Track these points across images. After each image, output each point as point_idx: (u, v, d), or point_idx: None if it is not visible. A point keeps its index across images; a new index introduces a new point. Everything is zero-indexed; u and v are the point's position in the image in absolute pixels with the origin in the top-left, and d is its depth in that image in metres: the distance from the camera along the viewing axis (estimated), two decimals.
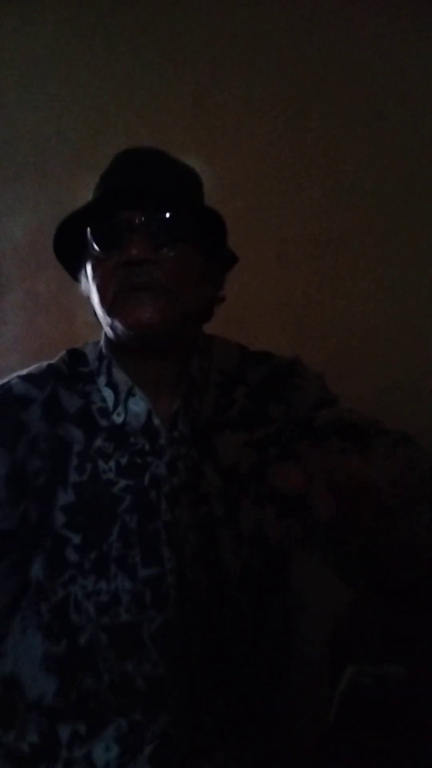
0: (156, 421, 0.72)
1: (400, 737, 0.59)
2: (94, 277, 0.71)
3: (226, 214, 0.99)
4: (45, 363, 0.78)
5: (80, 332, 1.31)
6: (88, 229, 0.70)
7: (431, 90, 1.09)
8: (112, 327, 0.71)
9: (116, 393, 0.73)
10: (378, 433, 0.69)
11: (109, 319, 0.70)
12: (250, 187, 1.19)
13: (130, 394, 0.73)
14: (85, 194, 1.32)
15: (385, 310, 1.10)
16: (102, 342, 0.77)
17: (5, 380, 0.75)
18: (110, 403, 0.73)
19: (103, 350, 0.76)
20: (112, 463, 0.70)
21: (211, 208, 0.69)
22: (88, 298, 0.76)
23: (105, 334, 0.76)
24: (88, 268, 0.72)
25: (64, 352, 0.80)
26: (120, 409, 0.73)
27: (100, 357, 0.76)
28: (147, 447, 0.71)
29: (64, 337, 1.32)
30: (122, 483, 0.70)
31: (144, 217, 0.67)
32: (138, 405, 0.72)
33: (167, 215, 0.68)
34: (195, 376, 0.75)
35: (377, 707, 0.60)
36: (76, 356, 0.78)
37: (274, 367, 0.78)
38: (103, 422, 0.73)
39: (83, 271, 0.74)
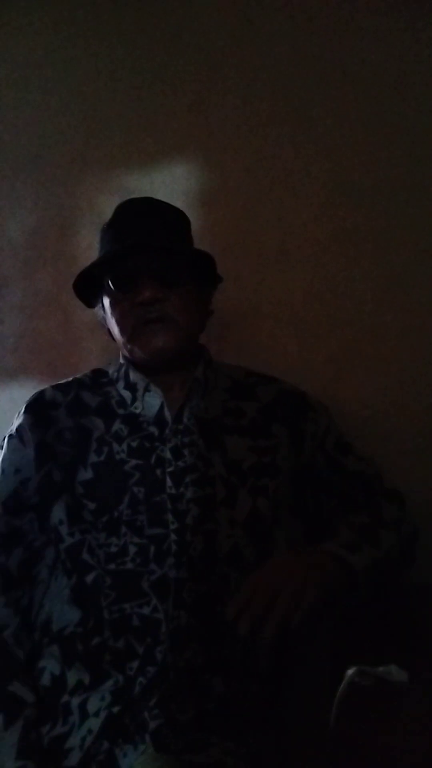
0: (167, 412, 0.88)
1: (400, 739, 0.59)
2: (113, 312, 0.89)
3: (225, 214, 1.00)
4: (72, 377, 0.96)
5: (78, 331, 1.31)
6: (107, 275, 0.88)
7: (431, 89, 1.09)
8: (130, 351, 0.89)
9: (133, 392, 0.90)
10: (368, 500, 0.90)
11: (129, 346, 0.89)
12: (249, 187, 1.19)
13: (147, 389, 0.89)
14: (83, 194, 1.32)
15: (385, 310, 1.09)
16: (120, 359, 0.95)
17: (39, 390, 0.94)
18: (128, 400, 0.90)
19: (121, 361, 0.94)
20: (124, 446, 0.86)
21: (204, 251, 0.88)
22: (102, 320, 0.95)
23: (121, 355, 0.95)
24: (106, 303, 0.90)
25: (89, 371, 0.98)
26: (138, 403, 0.89)
27: (119, 368, 0.94)
28: (156, 434, 0.86)
29: (62, 337, 1.32)
30: (133, 462, 0.85)
31: (153, 264, 0.85)
32: (153, 398, 0.89)
33: (172, 262, 0.86)
34: (199, 379, 0.91)
35: (377, 709, 0.60)
36: (98, 372, 0.97)
37: (283, 392, 0.95)
38: (121, 411, 0.89)
39: (100, 303, 0.93)
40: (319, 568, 0.73)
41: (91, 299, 0.94)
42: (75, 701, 0.75)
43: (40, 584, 0.84)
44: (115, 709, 0.73)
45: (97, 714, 0.73)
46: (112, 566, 0.79)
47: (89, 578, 0.80)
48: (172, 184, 1.23)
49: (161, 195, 1.23)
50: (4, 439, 0.90)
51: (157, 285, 0.85)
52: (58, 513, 0.83)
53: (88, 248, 1.30)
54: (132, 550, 0.79)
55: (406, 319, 1.08)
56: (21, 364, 1.35)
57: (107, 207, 1.30)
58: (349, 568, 0.74)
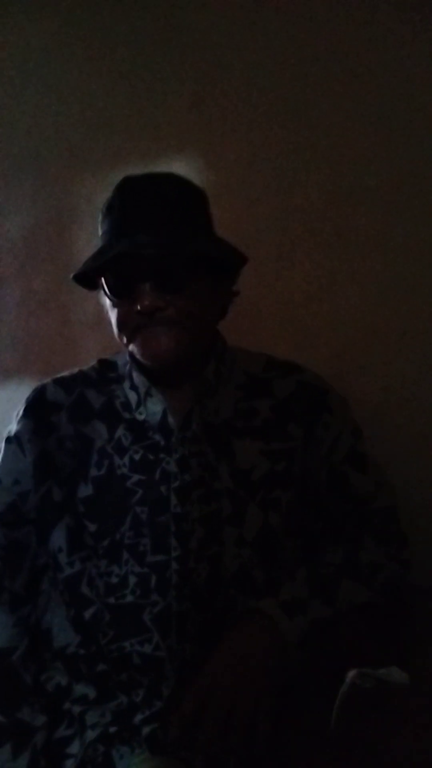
0: (171, 419, 0.79)
1: (402, 740, 0.58)
2: (111, 313, 0.78)
3: (225, 214, 0.99)
4: (77, 369, 0.86)
5: (76, 330, 1.30)
6: (102, 279, 0.76)
7: None
8: (131, 353, 0.79)
9: (138, 394, 0.81)
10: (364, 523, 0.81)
11: (129, 347, 0.78)
12: (249, 186, 1.19)
13: (148, 394, 0.80)
14: (81, 193, 1.31)
15: (385, 310, 1.09)
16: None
17: (41, 384, 0.85)
18: (133, 403, 0.81)
19: (127, 357, 0.83)
20: (126, 459, 0.78)
21: (216, 243, 0.75)
22: (103, 306, 0.81)
23: None
24: (104, 299, 0.78)
25: (95, 361, 0.87)
26: (142, 408, 0.80)
27: (125, 364, 0.84)
28: (162, 443, 0.78)
29: (59, 336, 1.31)
30: (135, 478, 0.77)
31: (152, 269, 0.72)
32: (155, 404, 0.79)
33: (175, 262, 0.72)
34: (209, 379, 0.80)
35: (378, 711, 0.60)
36: (106, 364, 0.86)
37: (302, 385, 0.83)
38: (126, 415, 0.81)
39: (101, 291, 0.79)
40: (264, 649, 0.66)
41: (92, 284, 0.80)
42: (76, 709, 0.74)
43: (42, 593, 0.81)
44: (112, 730, 0.72)
45: (93, 728, 0.72)
46: (112, 600, 0.74)
47: (88, 613, 0.75)
48: None
49: None
50: (3, 441, 0.84)
51: (157, 292, 0.72)
52: (57, 539, 0.78)
53: (87, 247, 1.30)
54: (132, 581, 0.74)
55: (406, 319, 1.08)
56: (19, 363, 1.34)
57: None
58: (281, 636, 0.67)
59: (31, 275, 1.34)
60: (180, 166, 1.23)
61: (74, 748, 0.72)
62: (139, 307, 0.72)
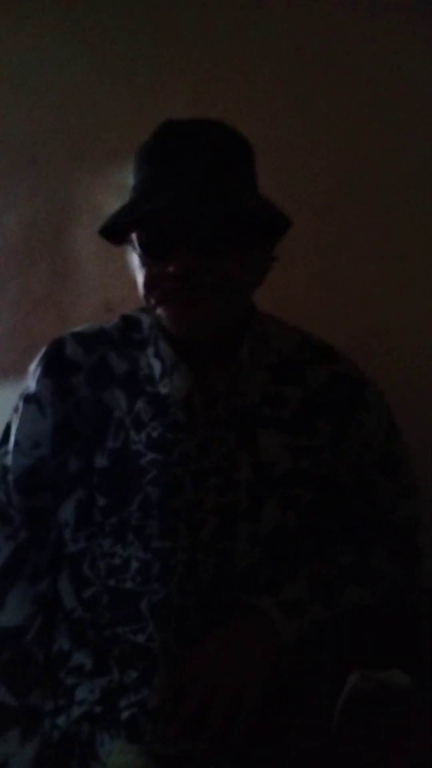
0: (197, 398, 0.72)
1: (403, 744, 0.58)
2: (139, 273, 0.69)
3: None
4: (98, 324, 0.78)
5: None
6: (133, 231, 0.68)
7: None
8: (158, 318, 0.71)
9: (164, 365, 0.73)
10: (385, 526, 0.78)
11: (156, 312, 0.70)
12: None
13: (175, 367, 0.72)
14: (80, 190, 1.31)
15: (385, 310, 1.09)
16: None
17: (59, 337, 0.76)
18: (157, 374, 0.73)
19: (153, 321, 0.75)
20: (143, 435, 0.71)
21: (263, 205, 0.67)
22: (131, 265, 0.73)
23: None
24: (132, 256, 0.71)
25: (118, 317, 0.79)
26: (167, 380, 0.72)
27: (151, 327, 0.75)
28: (183, 422, 0.71)
29: (58, 334, 1.30)
30: (150, 456, 0.71)
31: (192, 226, 0.64)
32: (182, 379, 0.72)
33: (217, 221, 0.65)
34: (244, 360, 0.73)
35: (380, 713, 0.59)
36: (129, 322, 0.78)
37: (337, 376, 0.77)
38: (148, 388, 0.73)
39: (127, 246, 0.72)
40: (257, 644, 0.64)
41: (117, 236, 0.72)
42: (69, 681, 0.73)
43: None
44: (98, 709, 0.71)
45: (80, 704, 0.72)
46: (112, 582, 0.71)
47: (87, 593, 0.73)
48: None
49: None
50: (20, 399, 0.77)
51: (195, 252, 0.64)
52: (66, 513, 0.73)
53: (85, 246, 1.29)
54: (134, 565, 0.70)
55: (407, 319, 1.08)
56: (16, 363, 1.33)
57: (104, 204, 1.29)
58: (277, 635, 0.64)
59: (29, 274, 1.34)
60: None
61: (61, 720, 0.71)
62: (172, 269, 0.64)
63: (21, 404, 0.76)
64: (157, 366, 0.73)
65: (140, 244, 0.68)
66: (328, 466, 0.75)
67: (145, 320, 0.77)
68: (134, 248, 0.69)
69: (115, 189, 1.27)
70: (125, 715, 0.69)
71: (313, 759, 0.60)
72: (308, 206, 1.14)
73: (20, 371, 1.35)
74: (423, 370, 1.06)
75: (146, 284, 0.69)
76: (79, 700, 0.72)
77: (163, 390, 0.72)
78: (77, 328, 0.78)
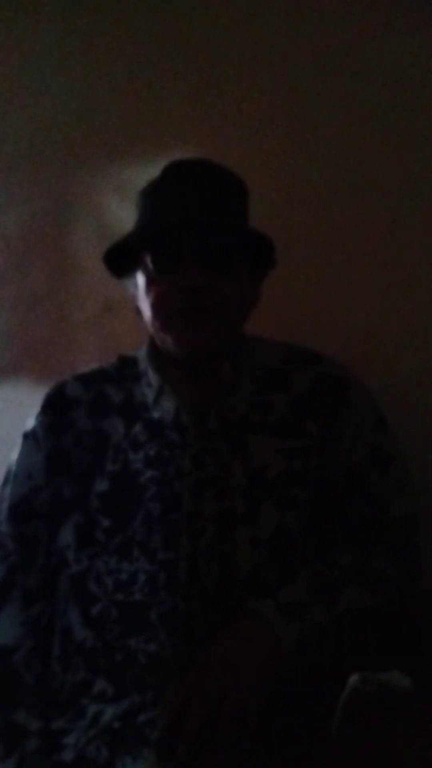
0: (184, 416, 0.77)
1: (404, 745, 0.58)
2: (148, 293, 0.76)
3: None
4: (98, 366, 0.87)
5: (74, 329, 1.30)
6: (147, 251, 0.75)
7: None
8: (162, 341, 0.78)
9: (154, 392, 0.80)
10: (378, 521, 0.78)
11: (161, 335, 0.77)
12: (250, 183, 1.18)
13: (161, 391, 0.79)
14: (79, 189, 1.30)
15: (386, 310, 1.09)
16: (145, 347, 0.84)
17: (61, 381, 0.85)
18: (150, 400, 0.80)
19: (145, 353, 0.83)
20: (141, 455, 0.77)
21: (261, 232, 0.74)
22: (132, 295, 0.81)
23: (150, 338, 0.83)
24: (141, 280, 0.78)
25: (116, 357, 0.88)
26: (158, 407, 0.79)
27: (144, 360, 0.83)
28: (177, 440, 0.77)
29: (57, 333, 1.31)
30: (149, 473, 0.76)
31: (202, 243, 0.72)
32: (168, 402, 0.78)
33: (224, 243, 0.73)
34: (226, 375, 0.79)
35: (381, 715, 0.59)
36: (126, 360, 0.86)
37: (321, 377, 0.80)
38: (143, 414, 0.80)
39: (133, 279, 0.80)
40: (258, 650, 0.64)
41: (121, 269, 0.80)
42: (92, 708, 0.73)
43: (63, 598, 0.79)
44: (116, 725, 0.71)
45: (97, 721, 0.72)
46: (120, 596, 0.73)
47: (95, 610, 0.74)
48: None
49: None
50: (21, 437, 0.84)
51: (204, 269, 0.72)
52: (65, 536, 0.78)
53: (84, 244, 1.29)
54: (141, 578, 0.73)
55: (407, 319, 1.08)
56: (15, 363, 1.34)
57: (104, 203, 1.29)
58: (277, 639, 0.65)
59: (28, 273, 1.34)
60: None
61: (70, 739, 0.71)
62: (184, 282, 0.71)
63: (21, 441, 0.84)
64: (149, 394, 0.80)
65: (153, 261, 0.74)
66: (320, 465, 0.77)
67: (141, 357, 0.84)
68: (144, 269, 0.76)
69: (114, 188, 1.27)
70: (149, 732, 0.68)
71: (314, 761, 0.60)
72: (308, 205, 1.14)
73: (20, 370, 1.35)
74: (423, 369, 1.06)
75: (155, 303, 0.75)
76: (102, 723, 0.72)
77: (156, 415, 0.79)
78: (78, 372, 0.86)
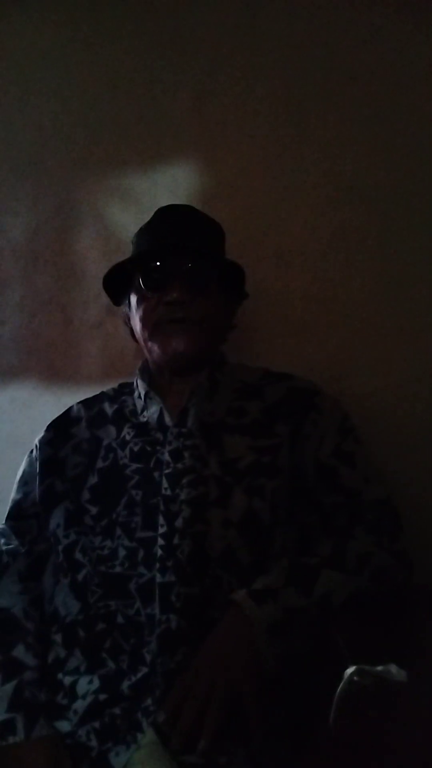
0: (167, 417, 0.89)
1: (400, 738, 0.59)
2: (138, 309, 0.90)
3: (225, 215, 1.00)
4: (101, 391, 1.01)
5: (78, 332, 1.31)
6: (138, 274, 0.89)
7: (431, 90, 1.09)
8: (150, 350, 0.91)
9: (143, 400, 0.93)
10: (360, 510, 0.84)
11: (149, 344, 0.90)
12: (249, 187, 1.19)
13: (147, 396, 0.92)
14: (83, 194, 1.32)
15: (385, 310, 1.09)
16: (139, 365, 0.98)
17: (70, 406, 1.00)
18: (139, 409, 0.93)
19: (138, 367, 0.97)
20: (127, 451, 0.89)
21: (235, 262, 0.89)
22: (125, 318, 0.97)
23: (143, 361, 0.98)
24: (133, 300, 0.92)
25: (117, 384, 1.02)
26: (146, 412, 0.91)
27: (135, 377, 0.97)
28: (160, 438, 0.88)
29: (62, 337, 1.32)
30: (133, 466, 0.87)
31: (184, 267, 0.87)
32: (152, 404, 0.91)
33: (202, 267, 0.88)
34: (203, 383, 0.90)
35: (377, 708, 0.60)
36: (124, 384, 1.01)
37: (292, 390, 0.92)
38: (132, 419, 0.93)
39: (127, 301, 0.94)
40: (236, 637, 0.70)
41: (118, 296, 0.96)
42: (67, 680, 0.78)
43: (49, 583, 0.89)
44: (102, 697, 0.75)
45: (84, 697, 0.75)
46: (102, 568, 0.82)
47: (80, 576, 0.83)
48: (172, 184, 1.23)
49: (161, 195, 1.24)
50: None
51: (185, 287, 0.86)
52: (56, 518, 0.89)
53: (88, 249, 1.30)
54: (121, 553, 0.81)
55: (406, 319, 1.08)
56: (21, 365, 1.35)
57: (107, 207, 1.30)
58: (250, 621, 0.70)
59: (33, 277, 1.35)
60: (180, 167, 1.24)
61: (66, 725, 0.74)
62: (168, 298, 0.86)
63: (26, 457, 0.98)
64: (139, 403, 0.94)
65: (143, 280, 0.89)
66: (289, 460, 0.86)
67: (136, 379, 0.96)
68: (136, 289, 0.90)
69: (117, 193, 1.29)
70: (149, 720, 0.71)
71: (311, 753, 0.61)
72: (307, 207, 1.15)
73: (26, 373, 1.36)
74: (421, 369, 1.07)
75: (143, 315, 0.89)
76: (82, 693, 0.76)
77: (143, 419, 0.91)
78: (83, 399, 1.00)
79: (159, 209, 0.95)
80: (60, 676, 0.79)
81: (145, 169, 1.26)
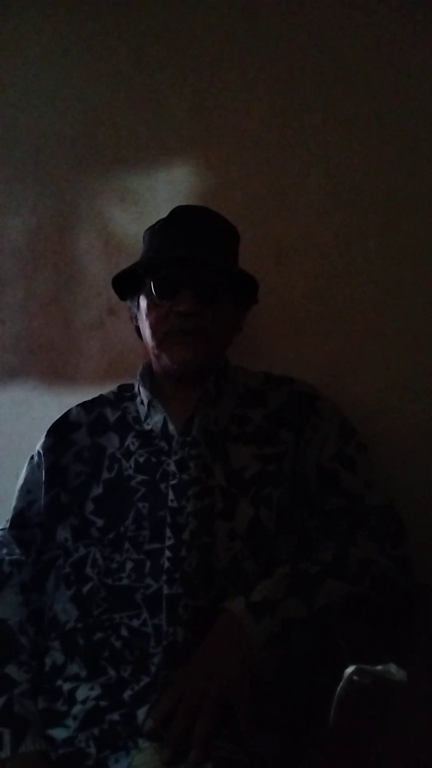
0: (171, 427, 0.88)
1: (399, 737, 0.59)
2: (149, 315, 0.89)
3: (225, 215, 1.00)
4: (99, 394, 0.99)
5: (79, 332, 1.31)
6: (150, 278, 0.88)
7: (431, 90, 1.09)
8: (158, 357, 0.90)
9: (146, 407, 0.91)
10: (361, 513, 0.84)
11: (157, 352, 0.90)
12: (249, 187, 1.19)
13: (150, 405, 0.90)
14: (83, 195, 1.32)
15: (384, 311, 1.09)
16: (140, 370, 0.96)
17: (69, 408, 0.98)
18: (142, 416, 0.92)
19: (140, 372, 0.95)
20: (132, 462, 0.87)
21: (247, 273, 0.88)
22: (133, 316, 0.96)
23: (145, 363, 0.96)
24: (143, 303, 0.91)
25: (116, 386, 1.00)
26: (149, 419, 0.90)
27: (137, 382, 0.95)
28: (165, 448, 0.87)
29: (62, 337, 1.32)
30: (139, 477, 0.86)
31: (197, 277, 0.86)
32: (156, 413, 0.90)
33: (214, 277, 0.87)
34: (209, 391, 0.90)
35: (377, 708, 0.60)
36: (123, 387, 0.99)
37: (293, 394, 0.92)
38: (136, 427, 0.91)
39: (135, 301, 0.93)
40: (231, 649, 0.70)
41: (125, 292, 0.94)
42: (67, 686, 0.77)
43: (50, 591, 0.87)
44: (102, 704, 0.74)
45: (84, 702, 0.75)
46: (109, 581, 0.81)
47: (86, 588, 0.82)
48: (172, 185, 1.23)
49: (161, 195, 1.24)
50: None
51: (197, 298, 0.86)
52: (62, 533, 0.87)
53: (88, 249, 1.31)
54: (129, 566, 0.80)
55: (406, 319, 1.08)
56: (21, 365, 1.35)
57: (107, 208, 1.30)
58: (246, 636, 0.70)
59: (34, 277, 1.35)
60: (180, 168, 1.24)
61: (63, 732, 0.73)
62: (180, 308, 0.85)
63: (26, 463, 0.96)
64: (142, 410, 0.92)
65: (155, 287, 0.87)
66: (293, 467, 0.85)
67: (136, 383, 0.95)
68: (147, 293, 0.89)
69: (117, 195, 1.29)
70: (147, 725, 0.70)
71: (311, 752, 0.61)
72: (307, 207, 1.15)
73: (26, 373, 1.37)
74: (422, 370, 1.06)
75: (153, 325, 0.88)
76: (82, 699, 0.75)
77: (147, 427, 0.90)
78: (82, 401, 0.98)
79: (174, 209, 0.93)
80: (59, 682, 0.78)
81: (145, 169, 1.26)
